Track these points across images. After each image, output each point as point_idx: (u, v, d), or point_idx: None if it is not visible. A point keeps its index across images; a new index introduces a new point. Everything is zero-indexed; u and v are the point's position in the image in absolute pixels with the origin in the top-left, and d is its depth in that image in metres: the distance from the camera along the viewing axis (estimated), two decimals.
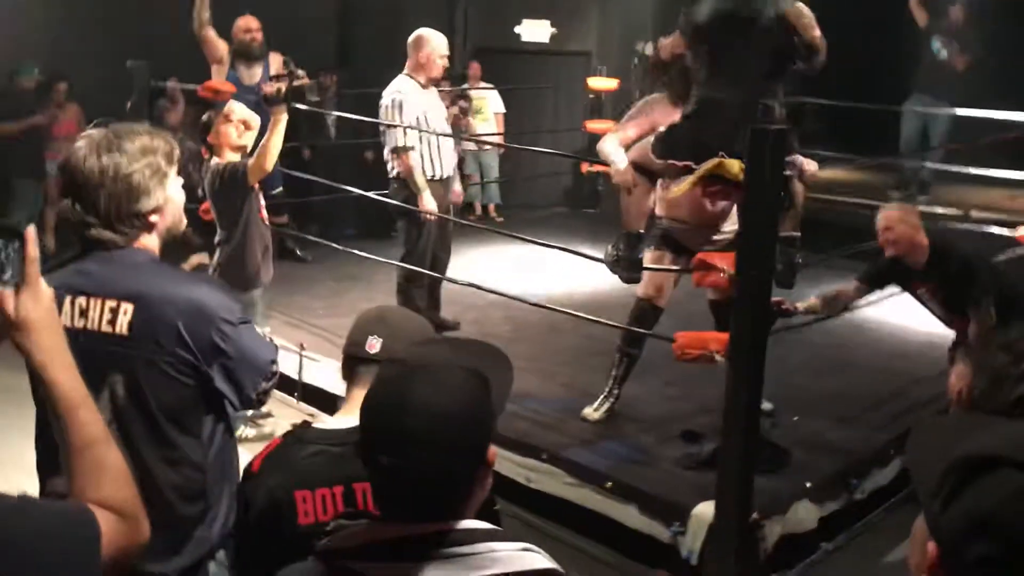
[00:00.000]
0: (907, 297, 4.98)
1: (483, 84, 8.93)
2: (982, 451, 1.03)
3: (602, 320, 4.07)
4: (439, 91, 5.59)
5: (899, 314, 5.57)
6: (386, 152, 5.15)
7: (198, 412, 2.02)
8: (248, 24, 6.36)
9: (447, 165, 5.21)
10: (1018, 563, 0.98)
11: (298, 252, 6.81)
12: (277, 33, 6.63)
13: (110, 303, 1.95)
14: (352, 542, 1.32)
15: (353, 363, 1.94)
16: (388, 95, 5.07)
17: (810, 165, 3.81)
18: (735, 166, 3.27)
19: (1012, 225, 5.56)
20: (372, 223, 7.22)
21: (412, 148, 4.98)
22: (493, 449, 1.35)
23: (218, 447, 2.07)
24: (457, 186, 5.72)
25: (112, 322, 1.95)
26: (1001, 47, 8.20)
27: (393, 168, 5.11)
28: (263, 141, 4.15)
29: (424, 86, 5.12)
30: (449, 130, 5.30)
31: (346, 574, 1.28)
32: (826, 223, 6.61)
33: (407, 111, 4.97)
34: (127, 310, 1.94)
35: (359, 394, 1.80)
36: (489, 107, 8.93)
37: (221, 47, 6.10)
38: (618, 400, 4.21)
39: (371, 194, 5.28)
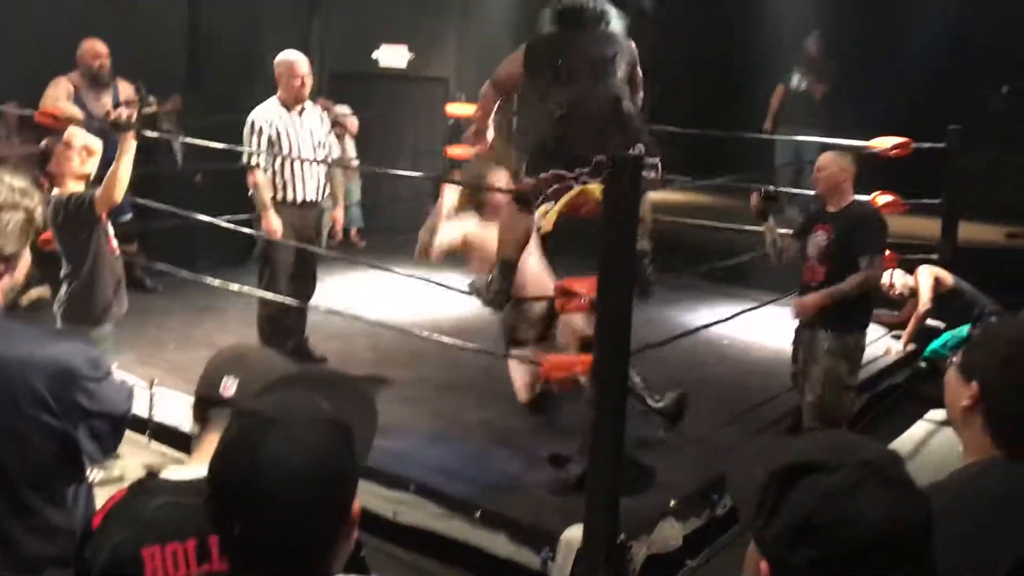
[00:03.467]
0: (760, 313, 5.18)
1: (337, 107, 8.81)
2: (792, 460, 1.09)
3: (468, 345, 4.04)
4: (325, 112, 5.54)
5: (752, 331, 5.78)
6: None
7: (61, 475, 1.88)
8: (96, 50, 6.12)
9: (307, 190, 5.09)
10: (842, 559, 1.03)
11: (147, 282, 6.48)
12: (123, 58, 6.36)
13: None
14: None
15: (205, 406, 1.79)
16: (249, 117, 5.02)
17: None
18: (596, 191, 3.31)
19: None
20: (227, 252, 6.96)
21: (257, 166, 4.94)
22: (357, 504, 1.26)
23: (83, 506, 1.94)
24: (338, 212, 5.60)
25: None
26: (857, 77, 8.75)
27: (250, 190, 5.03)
28: (111, 169, 3.93)
29: (288, 108, 5.04)
30: (319, 155, 5.15)
31: None
32: (695, 245, 6.84)
33: (262, 132, 4.95)
34: None
35: (213, 439, 1.68)
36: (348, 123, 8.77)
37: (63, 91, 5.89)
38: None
39: (221, 221, 5.08)
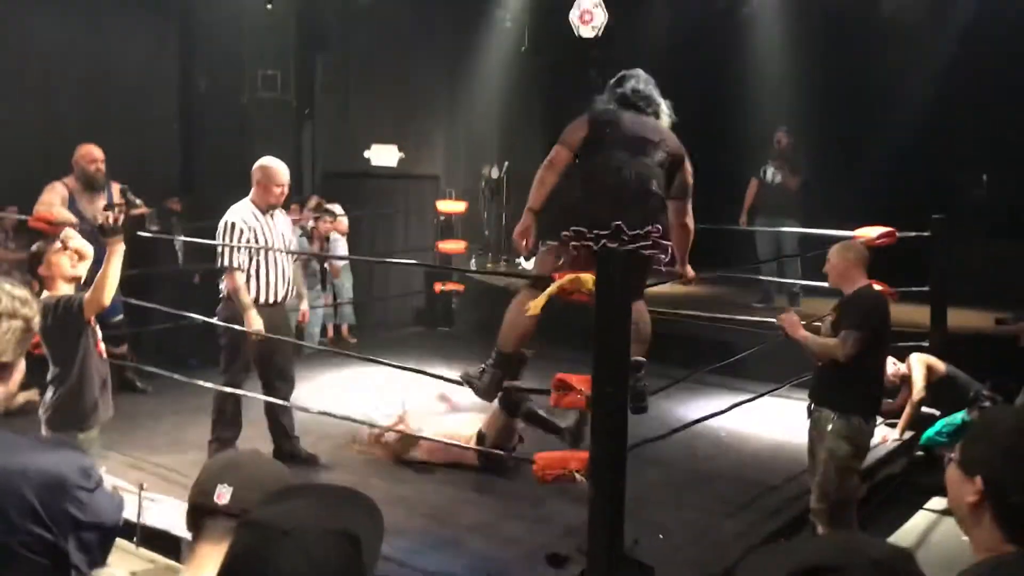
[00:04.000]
0: (755, 405, 5.17)
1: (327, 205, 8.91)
2: (804, 563, 1.08)
3: (460, 444, 3.99)
4: (292, 219, 5.62)
5: (748, 423, 5.74)
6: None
7: None
8: (92, 154, 6.20)
9: (276, 291, 5.12)
10: None
11: (138, 384, 6.43)
12: (119, 160, 6.46)
13: None
14: None
15: (199, 514, 1.75)
16: (223, 218, 5.05)
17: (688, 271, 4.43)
18: (589, 281, 3.34)
19: None
20: (217, 352, 6.92)
21: (238, 268, 4.96)
22: None
23: None
24: (303, 305, 5.69)
25: None
26: (834, 167, 8.95)
27: (222, 289, 5.07)
28: (100, 273, 3.93)
29: (263, 211, 5.09)
30: (287, 260, 5.22)
31: None
32: (688, 338, 6.85)
33: (237, 234, 4.97)
34: None
35: (207, 550, 1.64)
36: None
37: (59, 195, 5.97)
38: None
39: (198, 316, 5.08)
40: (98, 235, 4.16)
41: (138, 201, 4.73)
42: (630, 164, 4.04)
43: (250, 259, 5.01)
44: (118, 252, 3.95)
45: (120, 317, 6.19)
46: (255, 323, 4.92)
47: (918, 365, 5.72)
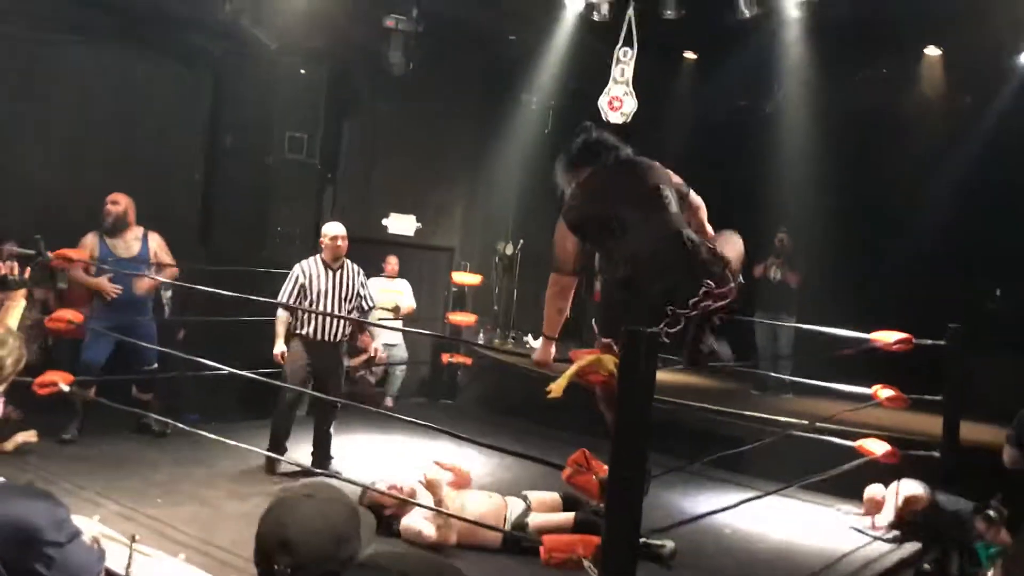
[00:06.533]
0: (762, 503, 5.07)
1: (397, 279, 9.12)
2: None
3: (467, 518, 3.90)
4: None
5: (754, 521, 5.63)
6: None
7: None
8: (109, 198, 6.45)
9: (324, 331, 5.95)
10: None
11: (154, 428, 6.39)
12: (139, 207, 6.54)
13: None
14: None
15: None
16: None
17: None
18: (610, 363, 3.29)
19: (854, 437, 5.81)
20: (218, 407, 6.88)
21: (282, 306, 5.97)
22: None
23: None
24: (366, 339, 6.78)
25: None
26: (830, 270, 9.04)
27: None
28: None
29: (327, 265, 6.04)
30: (341, 307, 6.04)
31: None
32: (689, 428, 6.78)
33: (293, 279, 6.01)
34: None
35: None
36: (403, 302, 9.03)
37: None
38: None
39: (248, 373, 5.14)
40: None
41: (49, 255, 4.92)
42: (653, 232, 3.61)
43: (298, 301, 5.94)
44: (16, 307, 3.74)
45: (155, 366, 6.52)
46: (276, 350, 5.93)
47: (897, 499, 5.57)
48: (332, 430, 6.07)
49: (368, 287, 6.33)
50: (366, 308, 6.25)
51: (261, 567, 1.80)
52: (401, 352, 9.07)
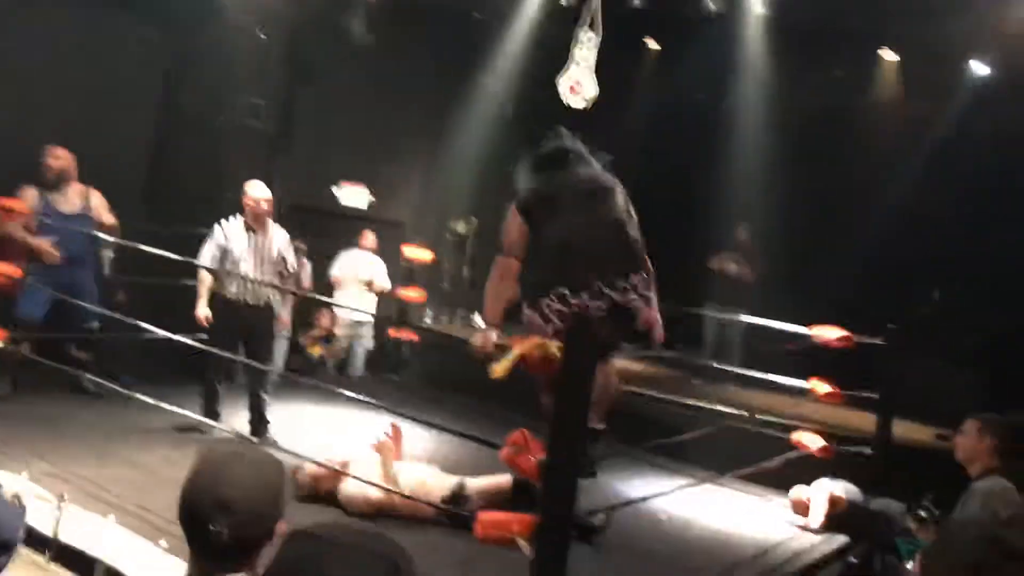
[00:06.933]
0: (698, 491, 5.13)
1: (372, 254, 9.06)
2: None
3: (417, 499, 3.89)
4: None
5: (691, 508, 5.70)
6: None
7: None
8: (49, 152, 6.31)
9: (246, 293, 5.91)
10: None
11: (90, 387, 6.23)
12: (87, 164, 6.39)
13: None
14: None
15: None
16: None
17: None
18: (553, 347, 3.30)
19: (790, 429, 5.91)
20: (155, 371, 6.75)
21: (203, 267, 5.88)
22: None
23: None
24: (283, 313, 6.53)
25: None
26: (789, 267, 9.15)
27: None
28: None
29: (249, 226, 5.92)
30: (260, 270, 5.94)
31: None
32: (628, 414, 6.83)
33: (213, 241, 5.93)
34: None
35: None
36: (377, 279, 9.00)
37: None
38: None
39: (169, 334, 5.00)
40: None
41: None
42: (597, 215, 3.91)
43: (221, 262, 5.84)
44: None
45: (96, 324, 6.35)
46: (200, 312, 5.90)
47: (819, 495, 5.69)
48: (266, 395, 5.99)
49: (291, 253, 6.18)
50: (286, 275, 6.12)
51: (192, 530, 1.74)
52: (368, 331, 9.02)
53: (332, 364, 9.17)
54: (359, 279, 8.93)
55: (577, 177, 4.06)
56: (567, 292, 3.75)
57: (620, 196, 4.05)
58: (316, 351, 9.11)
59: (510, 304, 4.09)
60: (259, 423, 5.93)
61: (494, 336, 4.03)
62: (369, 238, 9.16)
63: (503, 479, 4.69)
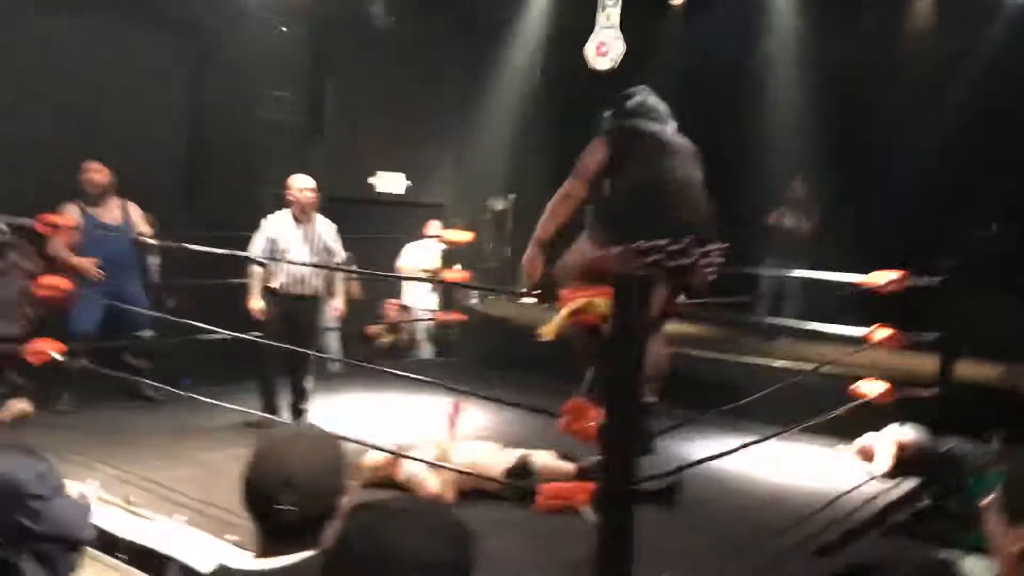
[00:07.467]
0: (763, 446, 5.05)
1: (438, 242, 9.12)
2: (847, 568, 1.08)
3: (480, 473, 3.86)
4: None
5: (755, 465, 5.63)
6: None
7: None
8: (86, 167, 6.36)
9: (295, 284, 5.97)
10: None
11: (150, 393, 6.35)
12: (125, 172, 6.47)
13: None
14: None
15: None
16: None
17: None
18: (603, 305, 3.24)
19: (853, 378, 5.79)
20: (212, 370, 6.83)
21: (254, 263, 5.94)
22: None
23: None
24: (338, 303, 6.40)
25: None
26: (840, 216, 8.94)
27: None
28: None
29: (296, 219, 5.98)
30: (313, 260, 5.97)
31: None
32: (689, 377, 6.75)
33: (262, 234, 5.99)
34: None
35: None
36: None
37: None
38: None
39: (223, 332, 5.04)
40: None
41: (3, 227, 4.92)
42: (688, 169, 3.92)
43: (270, 255, 5.87)
44: None
45: (149, 333, 6.50)
46: (253, 306, 5.91)
47: (887, 441, 5.60)
48: (308, 386, 6.10)
49: (339, 244, 6.22)
50: (335, 264, 6.18)
51: (258, 511, 1.75)
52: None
53: (400, 350, 9.25)
54: (424, 269, 8.95)
55: (667, 133, 4.06)
56: (662, 242, 3.69)
57: (700, 165, 4.07)
58: (387, 339, 9.19)
59: (563, 227, 4.07)
60: (296, 415, 6.03)
61: (541, 258, 4.04)
62: (433, 227, 9.16)
63: (567, 465, 4.67)
